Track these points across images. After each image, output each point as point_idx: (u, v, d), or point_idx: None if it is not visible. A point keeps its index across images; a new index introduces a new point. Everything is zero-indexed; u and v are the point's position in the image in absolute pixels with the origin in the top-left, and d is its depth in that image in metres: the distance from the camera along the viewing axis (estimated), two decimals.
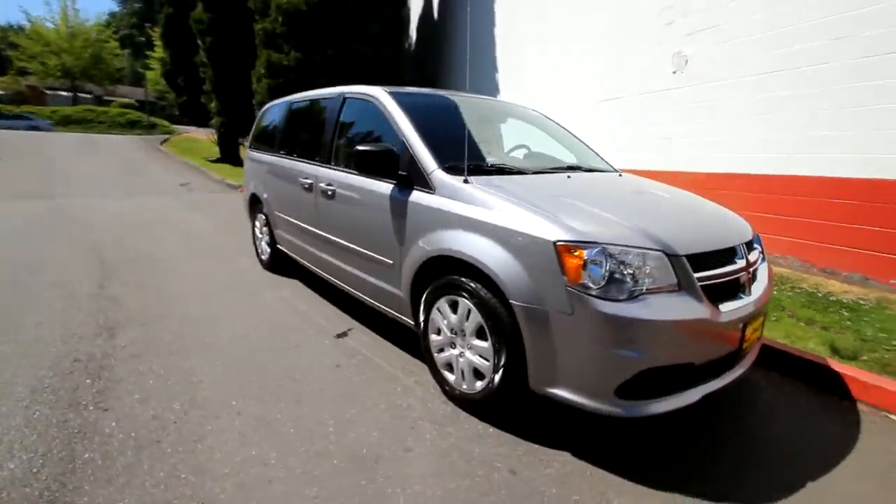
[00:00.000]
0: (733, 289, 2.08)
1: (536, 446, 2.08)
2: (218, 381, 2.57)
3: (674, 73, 5.49)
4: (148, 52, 32.95)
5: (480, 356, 2.19)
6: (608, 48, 6.47)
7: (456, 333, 2.32)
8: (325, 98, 3.59)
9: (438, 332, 2.43)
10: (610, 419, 2.00)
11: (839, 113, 4.18)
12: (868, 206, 4.03)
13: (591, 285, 1.81)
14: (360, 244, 2.94)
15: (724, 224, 2.33)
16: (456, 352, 2.34)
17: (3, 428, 2.09)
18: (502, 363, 2.07)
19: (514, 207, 2.07)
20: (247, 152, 5.10)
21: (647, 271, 1.84)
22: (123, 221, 6.72)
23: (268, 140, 4.58)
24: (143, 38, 35.23)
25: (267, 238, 4.57)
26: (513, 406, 2.24)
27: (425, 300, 2.47)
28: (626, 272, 1.82)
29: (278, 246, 4.37)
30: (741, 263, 2.12)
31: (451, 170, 2.43)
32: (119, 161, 15.17)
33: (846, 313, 3.53)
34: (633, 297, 1.80)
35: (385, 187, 2.70)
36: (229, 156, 17.06)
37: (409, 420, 2.26)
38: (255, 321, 3.37)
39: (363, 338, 3.19)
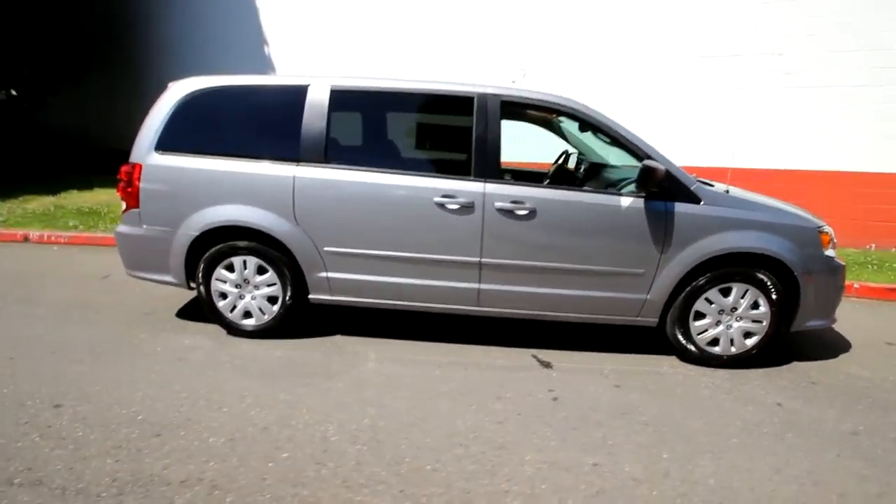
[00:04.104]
0: None
1: (790, 365, 3.06)
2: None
3: (513, 81, 6.78)
4: None
5: (754, 321, 2.91)
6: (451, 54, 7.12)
7: (723, 312, 2.91)
8: (456, 96, 2.85)
9: (701, 317, 2.93)
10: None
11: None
12: None
13: (831, 252, 2.92)
14: (590, 261, 2.84)
15: None
16: (721, 328, 2.93)
17: None
18: (776, 320, 2.89)
19: (773, 208, 2.87)
20: (157, 161, 2.96)
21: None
22: None
23: (257, 143, 2.95)
24: None
25: (271, 291, 3.04)
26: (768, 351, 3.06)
27: (686, 295, 2.87)
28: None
29: (315, 296, 3.05)
30: None
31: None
32: None
33: None
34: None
35: (634, 202, 2.78)
36: None
37: (740, 401, 2.74)
38: (449, 417, 2.54)
39: (567, 358, 3.06)
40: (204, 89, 3.01)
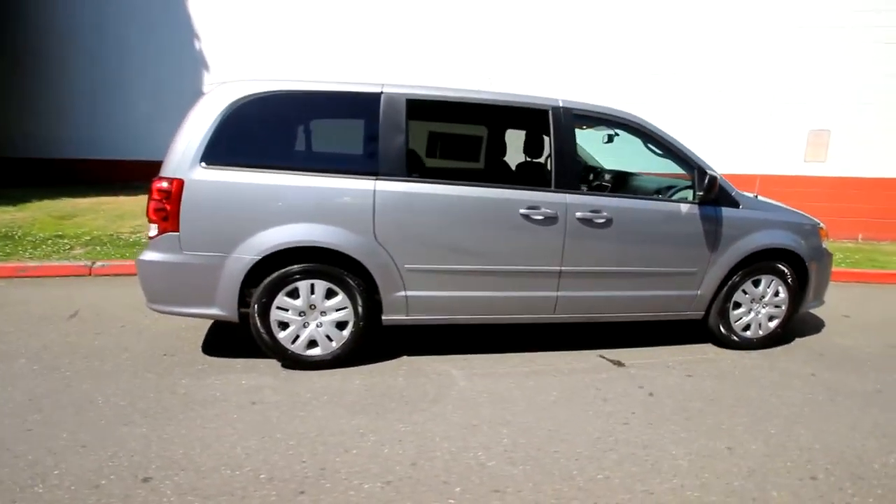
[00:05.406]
0: None
1: (794, 342, 3.59)
2: None
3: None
4: None
5: (775, 306, 3.38)
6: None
7: (754, 301, 3.35)
8: (531, 108, 2.86)
9: (738, 307, 3.33)
10: None
11: None
12: None
13: (825, 245, 3.51)
14: (656, 263, 3.09)
15: None
16: (752, 315, 3.37)
17: None
18: (792, 304, 3.39)
19: (787, 210, 3.38)
20: (204, 176, 2.54)
21: None
22: None
23: (323, 155, 2.71)
24: None
25: (340, 316, 2.79)
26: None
27: (729, 288, 3.26)
28: None
29: (389, 317, 2.88)
30: None
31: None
32: None
33: None
34: None
35: (690, 208, 3.08)
36: None
37: (774, 374, 3.17)
38: (578, 424, 2.60)
39: (630, 356, 3.25)
40: (258, 94, 2.65)
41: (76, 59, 7.72)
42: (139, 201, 7.40)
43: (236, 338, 3.17)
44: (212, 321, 3.42)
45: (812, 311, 4.05)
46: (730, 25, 6.86)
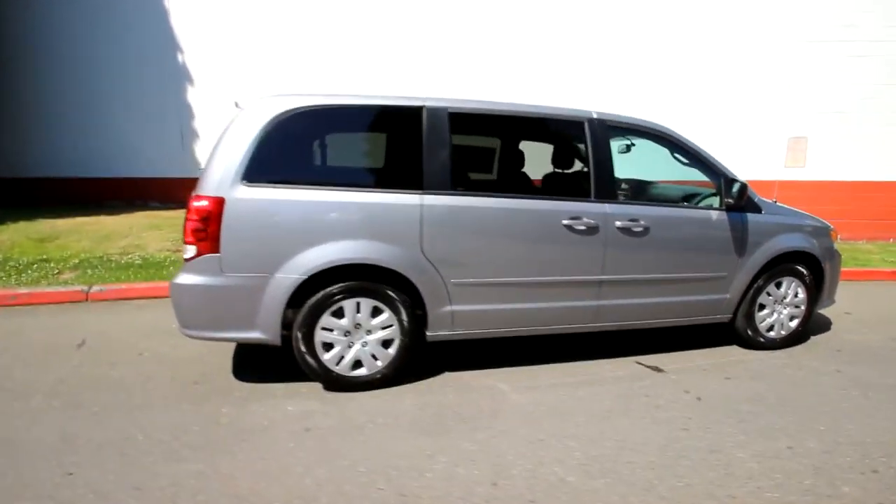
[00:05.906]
0: None
1: (810, 340, 3.73)
2: None
3: None
4: None
5: (796, 307, 3.51)
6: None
7: (777, 302, 3.46)
8: (568, 120, 2.88)
9: (762, 308, 3.44)
10: None
11: None
12: None
13: (835, 245, 3.68)
14: (689, 269, 3.16)
15: None
16: (776, 316, 3.49)
17: None
18: (810, 304, 3.53)
19: (801, 214, 3.53)
20: (247, 195, 2.42)
21: None
22: None
23: (366, 170, 2.64)
24: None
25: (386, 334, 2.72)
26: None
27: (754, 290, 3.36)
28: None
29: (434, 333, 2.82)
30: None
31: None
32: None
33: None
34: None
35: (720, 215, 3.18)
36: None
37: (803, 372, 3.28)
38: (640, 433, 2.61)
39: (665, 361, 3.30)
40: (298, 109, 2.56)
41: (47, 70, 7.32)
42: (122, 221, 7.07)
43: (267, 361, 3.04)
44: (235, 344, 3.27)
45: (821, 310, 4.24)
46: (716, 38, 7.21)
